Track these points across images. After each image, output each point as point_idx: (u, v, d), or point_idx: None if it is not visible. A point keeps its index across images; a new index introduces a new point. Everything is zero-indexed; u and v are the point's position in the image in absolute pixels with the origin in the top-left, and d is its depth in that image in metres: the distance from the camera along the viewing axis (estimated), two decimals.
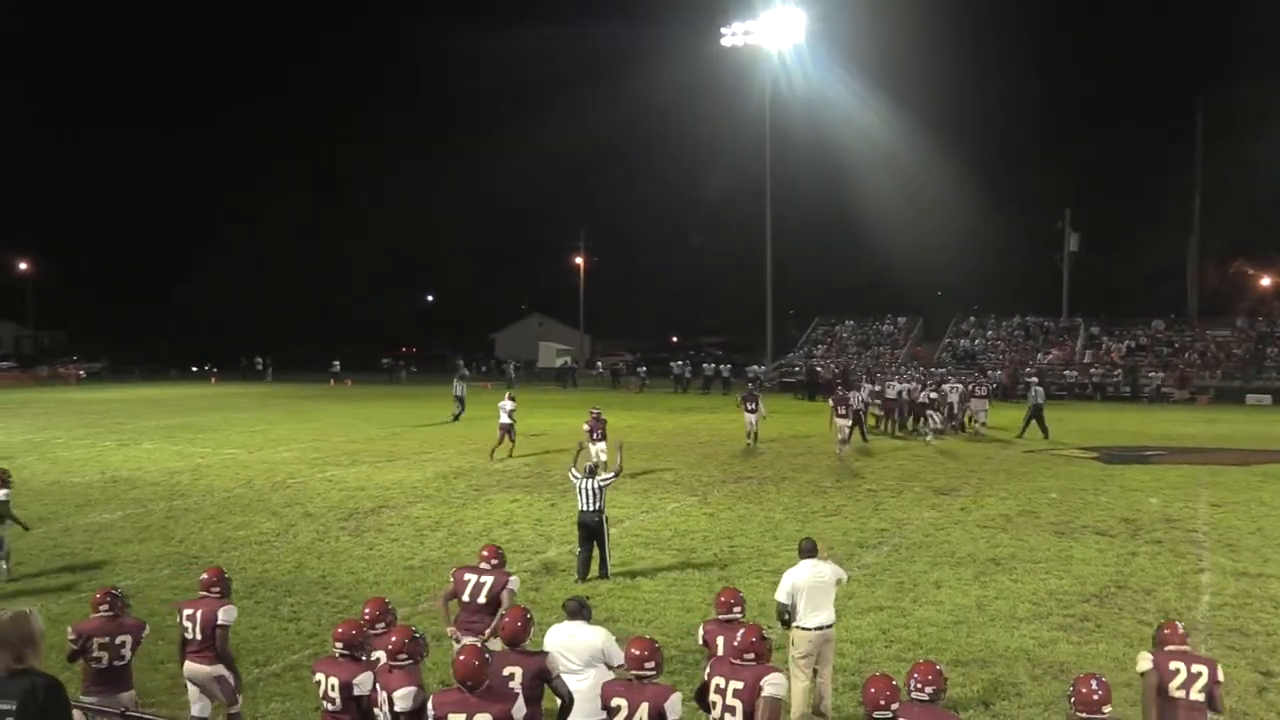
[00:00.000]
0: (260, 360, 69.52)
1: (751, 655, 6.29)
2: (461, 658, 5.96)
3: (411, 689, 6.24)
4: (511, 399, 26.42)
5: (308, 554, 15.05)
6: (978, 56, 75.78)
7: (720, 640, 7.24)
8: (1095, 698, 5.77)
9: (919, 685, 5.86)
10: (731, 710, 6.19)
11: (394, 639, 6.44)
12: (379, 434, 31.27)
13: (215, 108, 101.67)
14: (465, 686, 5.87)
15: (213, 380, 62.73)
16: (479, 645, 6.39)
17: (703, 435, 31.22)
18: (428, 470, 23.41)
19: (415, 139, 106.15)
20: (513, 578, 8.87)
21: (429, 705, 5.95)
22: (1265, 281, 69.98)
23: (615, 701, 6.06)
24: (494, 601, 8.54)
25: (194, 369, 70.96)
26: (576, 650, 7.23)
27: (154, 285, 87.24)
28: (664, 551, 15.11)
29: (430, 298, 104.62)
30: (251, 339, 73.29)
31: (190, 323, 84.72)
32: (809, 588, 8.63)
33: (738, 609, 7.51)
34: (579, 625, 7.40)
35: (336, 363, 66.22)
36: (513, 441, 25.74)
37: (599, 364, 69.12)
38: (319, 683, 6.52)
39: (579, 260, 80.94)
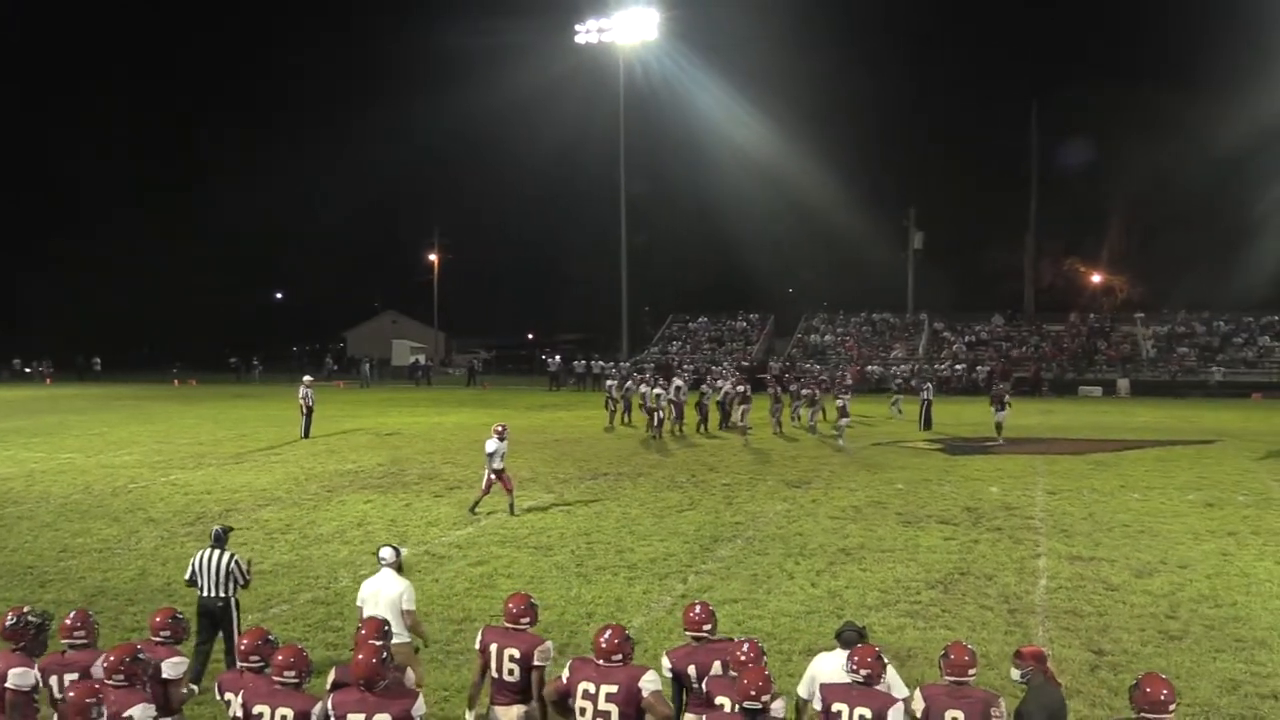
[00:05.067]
0: (97, 361, 66.73)
1: (619, 656, 6.20)
2: (360, 657, 5.87)
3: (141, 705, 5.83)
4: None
5: (151, 560, 14.52)
6: (828, 56, 76.97)
7: (494, 648, 6.79)
8: (965, 659, 6.03)
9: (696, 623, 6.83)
10: (605, 715, 6.06)
11: (113, 656, 5.99)
12: (226, 435, 30.33)
13: (52, 93, 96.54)
14: (363, 686, 5.80)
15: (48, 381, 59.89)
16: (377, 645, 6.12)
17: (558, 432, 31.21)
18: (277, 472, 22.82)
19: (265, 133, 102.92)
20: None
21: (329, 704, 5.84)
22: (1096, 279, 73.43)
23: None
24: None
25: (26, 370, 67.52)
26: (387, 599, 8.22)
27: None
28: (520, 549, 15.06)
29: (279, 295, 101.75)
30: (90, 338, 70.14)
31: (23, 320, 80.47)
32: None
33: (526, 620, 6.87)
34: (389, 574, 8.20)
35: (176, 368, 64.30)
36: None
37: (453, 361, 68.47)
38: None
39: (433, 257, 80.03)
